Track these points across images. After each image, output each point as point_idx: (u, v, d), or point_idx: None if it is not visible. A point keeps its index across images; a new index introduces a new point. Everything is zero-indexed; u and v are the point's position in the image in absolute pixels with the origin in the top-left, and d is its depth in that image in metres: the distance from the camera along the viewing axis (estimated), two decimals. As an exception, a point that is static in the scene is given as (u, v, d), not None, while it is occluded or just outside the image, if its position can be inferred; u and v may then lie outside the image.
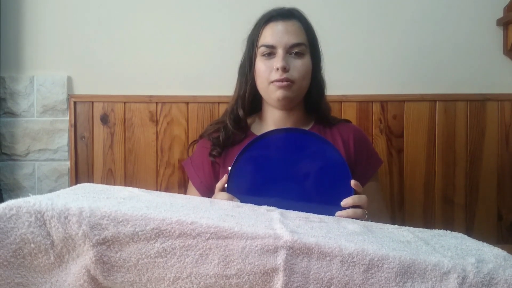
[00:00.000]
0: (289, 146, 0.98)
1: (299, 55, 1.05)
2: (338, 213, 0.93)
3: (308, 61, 1.07)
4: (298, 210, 0.86)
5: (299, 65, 1.05)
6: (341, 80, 1.57)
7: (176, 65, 1.59)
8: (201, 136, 1.20)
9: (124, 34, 1.59)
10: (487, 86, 1.58)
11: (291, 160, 0.97)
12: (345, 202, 0.95)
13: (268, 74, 1.05)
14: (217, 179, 1.08)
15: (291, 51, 1.04)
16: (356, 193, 0.96)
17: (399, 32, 1.59)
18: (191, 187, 1.17)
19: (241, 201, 0.92)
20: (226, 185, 0.96)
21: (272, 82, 1.05)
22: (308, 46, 1.07)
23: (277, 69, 1.03)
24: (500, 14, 1.57)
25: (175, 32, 1.59)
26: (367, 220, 0.94)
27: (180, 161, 1.56)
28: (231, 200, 0.92)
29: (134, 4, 1.59)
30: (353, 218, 0.90)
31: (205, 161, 1.13)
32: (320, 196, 0.96)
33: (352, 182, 0.95)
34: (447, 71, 1.59)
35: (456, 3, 1.58)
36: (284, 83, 1.03)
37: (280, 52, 1.04)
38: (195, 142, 1.25)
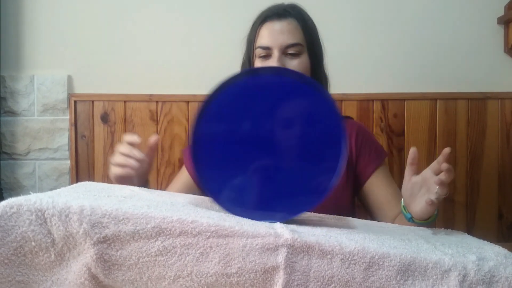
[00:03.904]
0: (267, 93, 0.76)
1: (295, 55, 1.04)
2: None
3: (305, 60, 1.06)
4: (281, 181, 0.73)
5: (295, 65, 1.04)
6: (342, 79, 1.56)
7: (177, 64, 1.59)
8: None
9: (124, 33, 1.59)
10: (488, 84, 1.58)
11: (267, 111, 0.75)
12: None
13: None
14: None
15: (286, 51, 1.04)
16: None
17: (399, 31, 1.59)
18: (182, 172, 1.16)
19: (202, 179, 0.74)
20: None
21: None
22: (305, 44, 1.06)
23: None
24: (501, 12, 1.57)
25: (175, 31, 1.59)
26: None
27: (180, 160, 1.56)
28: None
29: (134, 3, 1.59)
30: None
31: None
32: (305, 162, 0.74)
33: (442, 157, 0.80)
34: (447, 69, 1.59)
35: (456, 1, 1.58)
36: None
37: (275, 53, 1.03)
38: None
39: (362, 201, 1.14)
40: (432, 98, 1.57)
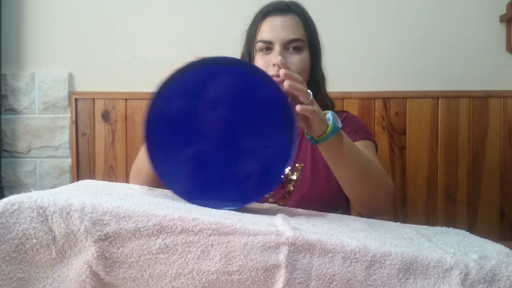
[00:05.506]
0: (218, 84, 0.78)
1: (296, 50, 1.04)
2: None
3: (306, 56, 1.06)
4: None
5: (297, 60, 1.04)
6: (343, 77, 1.56)
7: (177, 61, 1.58)
8: None
9: (125, 31, 1.59)
10: (490, 82, 1.57)
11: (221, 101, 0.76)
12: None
13: (265, 69, 1.05)
14: None
15: (288, 46, 1.04)
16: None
17: (401, 29, 1.58)
18: None
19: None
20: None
21: None
22: (306, 41, 1.06)
23: (274, 64, 1.03)
24: (503, 10, 1.56)
25: (176, 29, 1.59)
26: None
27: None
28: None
29: (135, 1, 1.59)
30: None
31: None
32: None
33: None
34: (449, 67, 1.58)
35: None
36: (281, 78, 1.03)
37: (277, 47, 1.03)
38: None
39: None
40: (434, 97, 1.57)
